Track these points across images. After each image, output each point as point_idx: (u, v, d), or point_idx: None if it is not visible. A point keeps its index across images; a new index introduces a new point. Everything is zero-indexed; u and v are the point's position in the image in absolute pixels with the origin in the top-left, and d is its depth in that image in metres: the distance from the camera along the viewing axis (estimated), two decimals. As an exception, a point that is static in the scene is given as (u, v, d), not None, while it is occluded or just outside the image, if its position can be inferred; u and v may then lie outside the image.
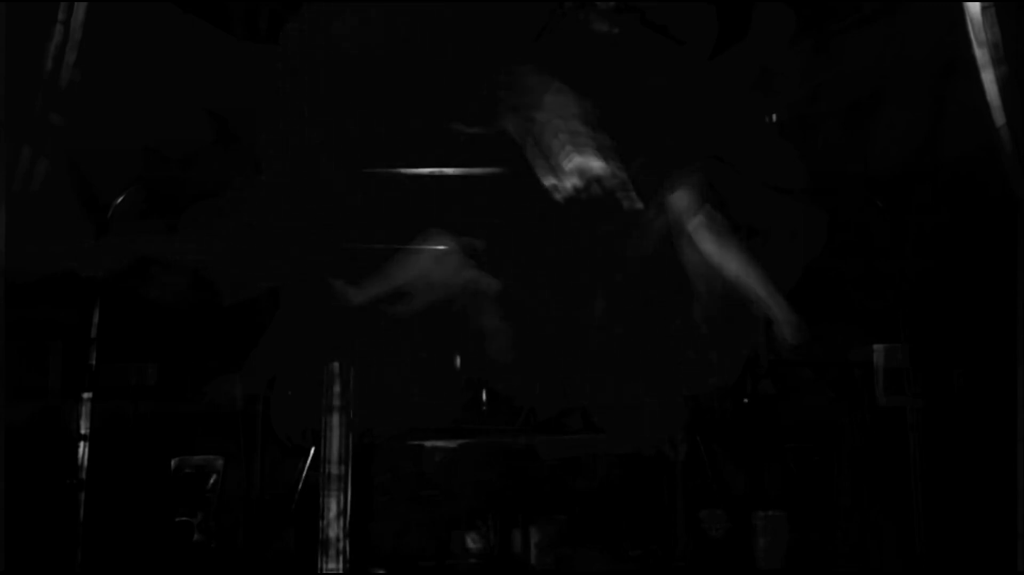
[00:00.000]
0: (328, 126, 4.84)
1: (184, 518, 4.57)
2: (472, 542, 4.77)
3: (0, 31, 3.83)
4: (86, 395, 4.59)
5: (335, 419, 4.34)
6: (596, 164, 4.56)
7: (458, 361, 4.92)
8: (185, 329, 4.85)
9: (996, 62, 4.08)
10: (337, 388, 4.36)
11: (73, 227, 4.59)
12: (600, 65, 4.99)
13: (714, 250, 4.57)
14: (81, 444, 4.52)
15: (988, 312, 4.45)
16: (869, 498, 4.80)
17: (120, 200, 4.77)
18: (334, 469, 4.29)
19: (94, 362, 4.65)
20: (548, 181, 4.55)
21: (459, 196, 4.94)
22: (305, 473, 4.67)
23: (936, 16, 4.51)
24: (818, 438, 4.93)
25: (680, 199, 4.59)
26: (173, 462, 4.63)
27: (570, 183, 4.53)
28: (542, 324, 4.81)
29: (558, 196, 4.59)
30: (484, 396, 4.98)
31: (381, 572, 4.58)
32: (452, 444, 4.85)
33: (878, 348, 4.89)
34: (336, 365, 4.37)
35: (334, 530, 4.23)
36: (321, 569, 4.22)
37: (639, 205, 4.60)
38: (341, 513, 4.26)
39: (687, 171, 4.60)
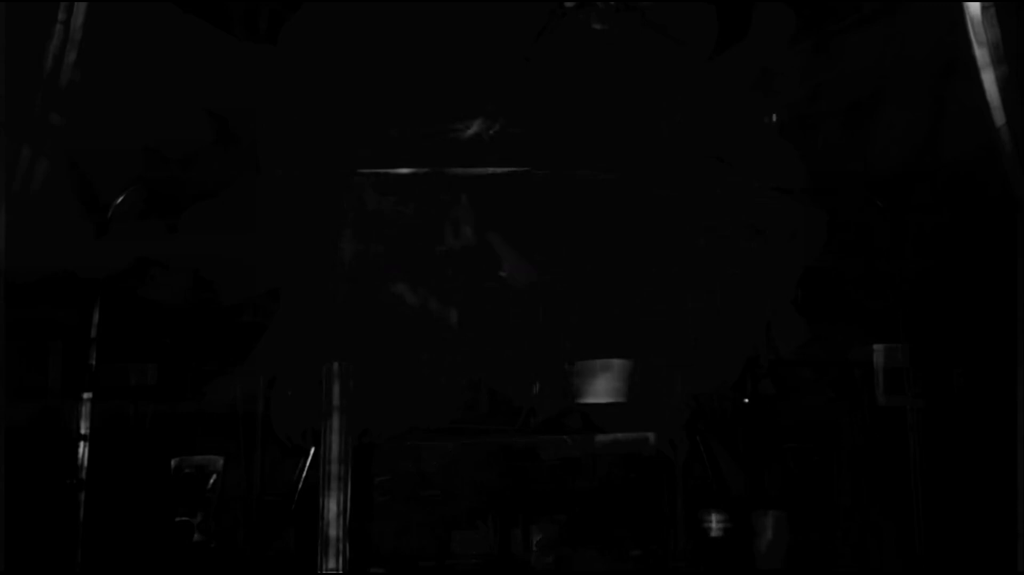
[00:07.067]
0: (327, 126, 4.84)
1: (184, 518, 4.57)
2: (472, 542, 4.77)
3: (0, 31, 3.83)
4: (86, 395, 4.59)
5: (335, 419, 4.34)
6: None
7: (458, 360, 4.92)
8: (185, 329, 4.85)
9: (996, 62, 4.09)
10: (337, 388, 4.36)
11: (73, 227, 4.59)
12: (600, 65, 5.00)
13: None
14: (81, 444, 4.52)
15: (988, 312, 4.45)
16: (869, 498, 4.80)
17: (120, 200, 4.77)
18: (334, 469, 4.29)
19: (94, 362, 4.65)
20: None
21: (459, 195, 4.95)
22: (305, 473, 4.67)
23: (936, 16, 4.52)
24: (818, 438, 4.93)
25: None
26: (173, 462, 4.63)
27: None
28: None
29: None
30: (484, 396, 4.98)
31: (381, 572, 4.58)
32: (452, 444, 4.85)
33: (878, 348, 4.90)
34: (336, 365, 4.37)
35: (334, 530, 4.23)
36: (321, 569, 4.22)
37: None
38: (341, 513, 4.25)
39: None
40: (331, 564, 4.21)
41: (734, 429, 5.00)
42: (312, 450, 4.63)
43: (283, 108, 4.84)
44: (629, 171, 4.91)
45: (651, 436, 4.86)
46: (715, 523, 4.68)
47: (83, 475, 4.48)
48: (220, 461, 4.69)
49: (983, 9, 4.09)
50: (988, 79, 4.10)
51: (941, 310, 4.81)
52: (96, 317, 4.68)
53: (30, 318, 4.26)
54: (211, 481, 4.64)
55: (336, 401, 4.35)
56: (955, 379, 4.83)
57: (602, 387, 4.89)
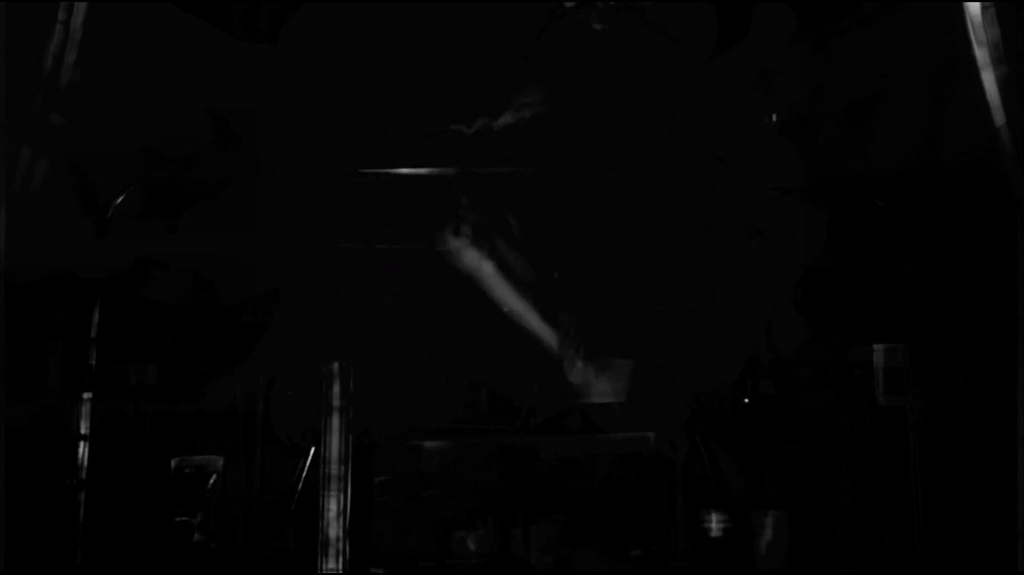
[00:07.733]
0: (328, 126, 4.84)
1: (184, 518, 4.57)
2: (472, 542, 4.77)
3: (0, 31, 3.83)
4: (86, 395, 4.59)
5: (335, 419, 4.34)
6: None
7: (458, 360, 4.92)
8: (185, 329, 4.85)
9: (996, 62, 4.09)
10: (337, 388, 4.36)
11: (73, 227, 4.59)
12: (600, 65, 5.00)
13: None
14: (81, 444, 4.52)
15: (988, 312, 4.44)
16: (869, 498, 4.80)
17: (120, 200, 4.77)
18: (334, 469, 4.29)
19: (94, 362, 4.65)
20: None
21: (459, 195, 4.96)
22: (305, 473, 4.67)
23: (936, 16, 4.52)
24: (818, 438, 4.92)
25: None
26: (173, 462, 4.63)
27: None
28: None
29: None
30: (484, 396, 4.98)
31: (381, 572, 4.59)
32: (452, 444, 4.85)
33: (878, 348, 4.89)
34: (336, 365, 4.37)
35: (334, 530, 4.23)
36: (321, 569, 4.22)
37: None
38: (341, 513, 4.25)
39: None
40: (331, 564, 4.21)
41: (734, 429, 5.00)
42: (312, 450, 4.63)
43: (283, 108, 4.84)
44: (629, 171, 4.91)
45: (651, 436, 4.86)
46: (715, 523, 4.68)
47: (83, 475, 4.48)
48: (220, 461, 4.68)
49: (983, 9, 4.09)
50: (988, 79, 4.10)
51: (941, 310, 4.81)
52: (96, 317, 4.68)
53: (30, 318, 4.26)
54: (211, 481, 4.64)
55: (336, 401, 4.35)
56: (955, 379, 4.82)
57: (602, 387, 4.89)
